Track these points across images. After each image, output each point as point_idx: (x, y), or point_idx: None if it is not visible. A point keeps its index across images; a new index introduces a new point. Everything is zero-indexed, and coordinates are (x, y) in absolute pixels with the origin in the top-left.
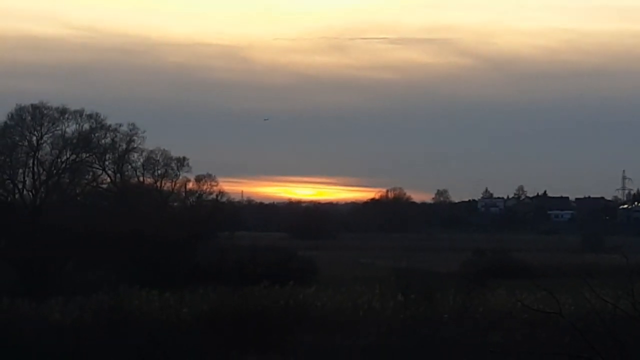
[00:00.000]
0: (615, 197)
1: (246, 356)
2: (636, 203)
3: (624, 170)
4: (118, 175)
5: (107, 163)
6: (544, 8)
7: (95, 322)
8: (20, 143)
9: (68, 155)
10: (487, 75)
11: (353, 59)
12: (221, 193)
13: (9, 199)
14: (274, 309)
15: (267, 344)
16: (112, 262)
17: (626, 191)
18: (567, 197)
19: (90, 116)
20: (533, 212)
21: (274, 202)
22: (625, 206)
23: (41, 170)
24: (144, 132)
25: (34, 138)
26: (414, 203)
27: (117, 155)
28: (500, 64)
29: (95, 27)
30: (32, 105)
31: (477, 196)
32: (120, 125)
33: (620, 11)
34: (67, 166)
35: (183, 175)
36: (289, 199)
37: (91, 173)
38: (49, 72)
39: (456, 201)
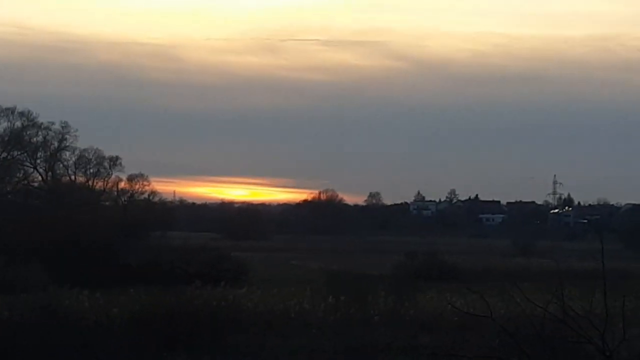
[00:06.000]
0: (546, 201)
1: (177, 356)
2: (567, 208)
3: (555, 175)
4: (49, 173)
5: (38, 161)
6: (475, 12)
7: (25, 322)
8: None
9: None
10: (418, 78)
11: (285, 60)
12: (153, 193)
13: None
14: (205, 310)
15: (198, 344)
16: (43, 261)
17: (557, 196)
18: (499, 201)
19: (22, 114)
20: (465, 215)
21: (206, 203)
22: (556, 211)
23: None
24: (76, 130)
25: None
26: (346, 205)
27: (49, 153)
28: (431, 67)
29: (27, 24)
30: None
31: (409, 199)
32: (53, 123)
33: (549, 17)
34: None
35: (115, 174)
36: (222, 200)
37: (22, 171)
38: None
39: (388, 204)
